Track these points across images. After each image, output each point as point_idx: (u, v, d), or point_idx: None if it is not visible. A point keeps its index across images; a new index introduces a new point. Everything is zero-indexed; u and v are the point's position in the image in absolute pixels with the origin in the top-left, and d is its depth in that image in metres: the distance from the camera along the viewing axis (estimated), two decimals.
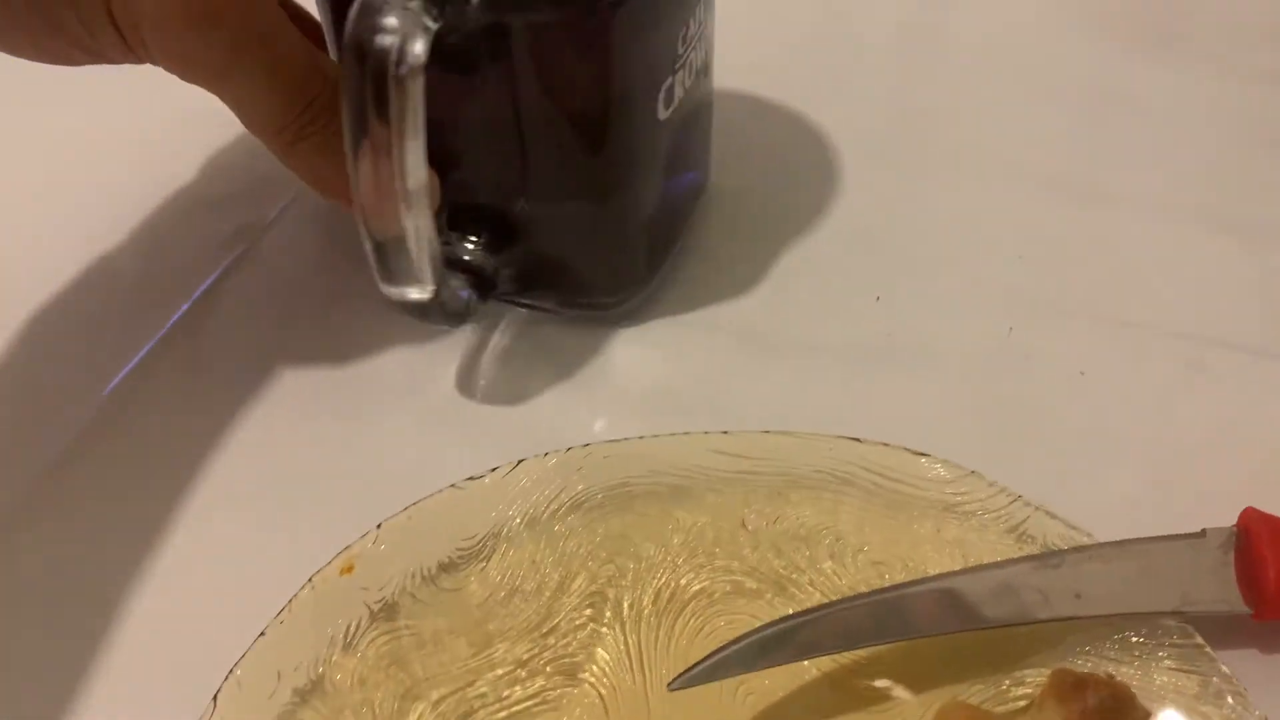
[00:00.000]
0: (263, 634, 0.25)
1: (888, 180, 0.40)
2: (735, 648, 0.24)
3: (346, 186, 0.28)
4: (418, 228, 0.26)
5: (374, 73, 0.24)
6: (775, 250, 0.37)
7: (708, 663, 0.24)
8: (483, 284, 0.32)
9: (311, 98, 0.28)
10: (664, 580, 0.28)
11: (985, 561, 0.26)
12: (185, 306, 0.36)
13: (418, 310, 0.29)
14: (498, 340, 0.34)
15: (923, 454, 0.28)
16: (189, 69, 0.28)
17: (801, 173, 0.40)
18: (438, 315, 0.30)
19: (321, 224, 0.38)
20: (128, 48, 0.27)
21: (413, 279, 0.27)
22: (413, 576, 0.27)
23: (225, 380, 0.34)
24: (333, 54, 0.31)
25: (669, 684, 0.24)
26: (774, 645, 0.24)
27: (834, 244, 0.38)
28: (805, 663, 0.26)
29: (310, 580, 0.26)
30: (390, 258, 0.27)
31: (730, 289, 0.36)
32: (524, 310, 0.35)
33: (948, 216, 0.39)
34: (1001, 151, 0.41)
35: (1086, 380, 0.33)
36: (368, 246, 0.27)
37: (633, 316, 0.35)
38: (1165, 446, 0.31)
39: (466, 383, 0.33)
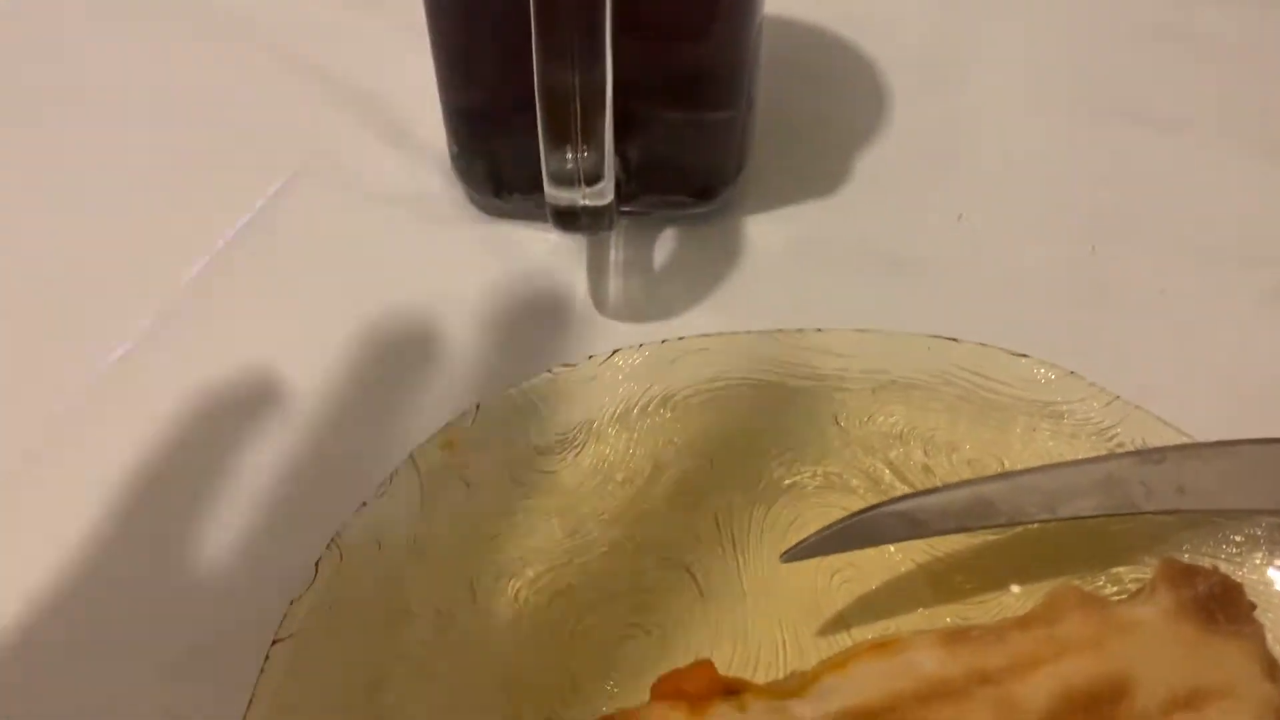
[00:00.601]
0: (364, 505, 0.25)
1: (948, 105, 0.40)
2: (847, 523, 0.24)
3: None
4: (608, 126, 0.27)
5: None
6: (842, 164, 0.37)
7: (819, 536, 0.24)
8: (618, 190, 0.32)
9: None
10: (755, 473, 0.28)
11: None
12: (260, 204, 0.36)
13: (570, 216, 0.29)
14: (588, 241, 0.34)
15: (1021, 355, 0.28)
16: None
17: (856, 96, 0.40)
18: (592, 221, 0.30)
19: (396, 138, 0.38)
20: None
21: (596, 176, 0.28)
22: (509, 457, 0.27)
23: (313, 280, 0.34)
24: None
25: (781, 555, 0.24)
26: (885, 523, 0.24)
27: (907, 163, 0.37)
28: (899, 555, 0.27)
29: (411, 455, 0.26)
30: (577, 161, 0.27)
31: (805, 200, 0.36)
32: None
33: (1018, 142, 0.38)
34: (1068, 81, 0.41)
35: (1167, 298, 0.33)
36: (549, 153, 0.27)
37: (716, 220, 0.35)
38: (1249, 364, 0.31)
39: (559, 280, 0.33)
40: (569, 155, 0.28)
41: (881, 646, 0.23)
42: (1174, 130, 0.38)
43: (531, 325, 0.32)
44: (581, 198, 0.29)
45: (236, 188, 0.36)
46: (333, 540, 0.25)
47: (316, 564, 0.24)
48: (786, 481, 0.28)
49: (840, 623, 0.25)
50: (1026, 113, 0.39)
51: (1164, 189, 0.37)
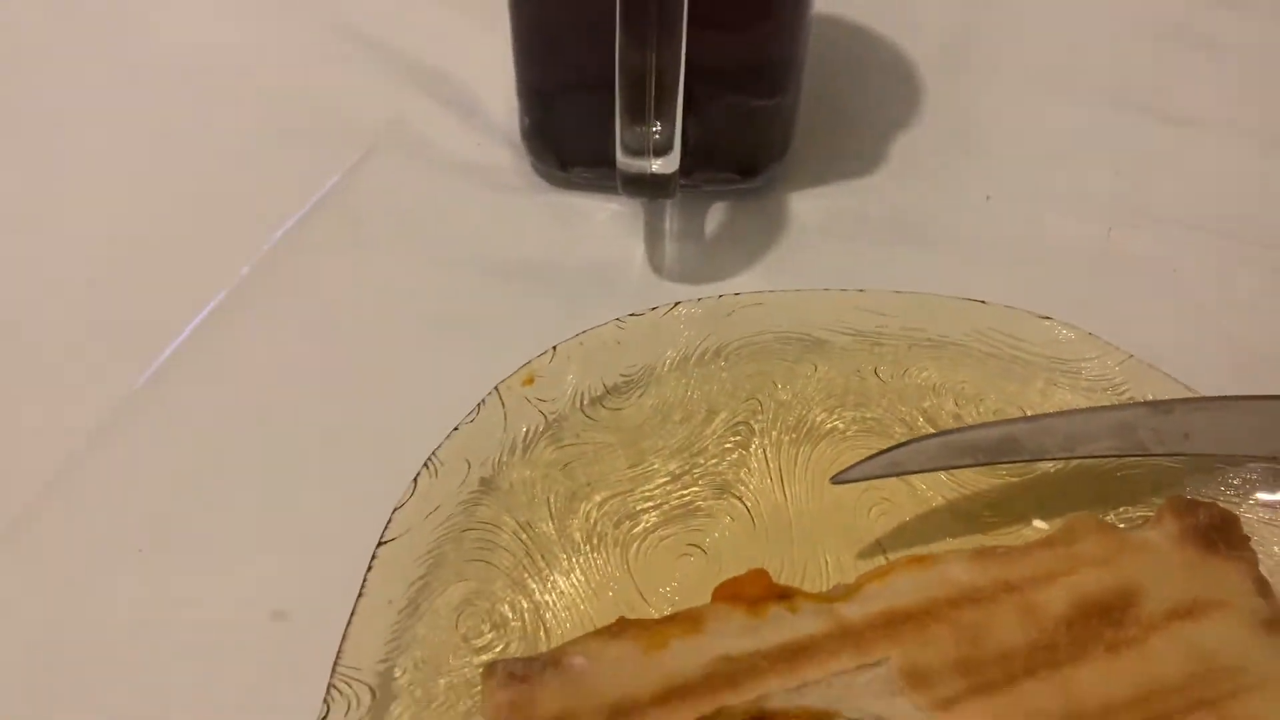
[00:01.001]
0: (456, 429, 0.28)
1: (977, 96, 0.43)
2: (891, 450, 0.27)
3: None
4: (679, 102, 0.30)
5: None
6: (878, 149, 0.40)
7: (866, 461, 0.27)
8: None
9: None
10: (800, 417, 0.31)
11: None
12: (341, 173, 0.39)
13: (638, 183, 0.32)
14: (645, 211, 0.37)
15: (1045, 317, 0.31)
16: None
17: (892, 86, 0.43)
18: (657, 188, 0.33)
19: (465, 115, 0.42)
20: None
21: (666, 148, 0.31)
22: (581, 394, 0.30)
23: (397, 241, 0.37)
24: None
25: (831, 478, 0.27)
26: (925, 452, 0.27)
27: (938, 149, 0.40)
28: (931, 492, 0.29)
29: (496, 388, 0.29)
30: (653, 133, 0.31)
31: (844, 180, 0.39)
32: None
33: (1042, 132, 0.42)
34: (1090, 77, 0.44)
35: (1179, 276, 0.36)
36: (625, 126, 0.31)
37: (762, 195, 0.38)
38: (1253, 336, 0.34)
39: (620, 245, 0.36)
40: (642, 128, 0.31)
41: (918, 561, 0.25)
42: (1189, 125, 0.41)
43: (596, 284, 0.35)
44: (651, 166, 0.32)
45: (319, 158, 0.39)
46: (429, 458, 0.28)
47: (415, 478, 0.27)
48: (829, 425, 0.31)
49: (877, 548, 0.28)
50: (1051, 105, 0.42)
51: (1178, 179, 0.40)
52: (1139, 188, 0.39)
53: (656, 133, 0.31)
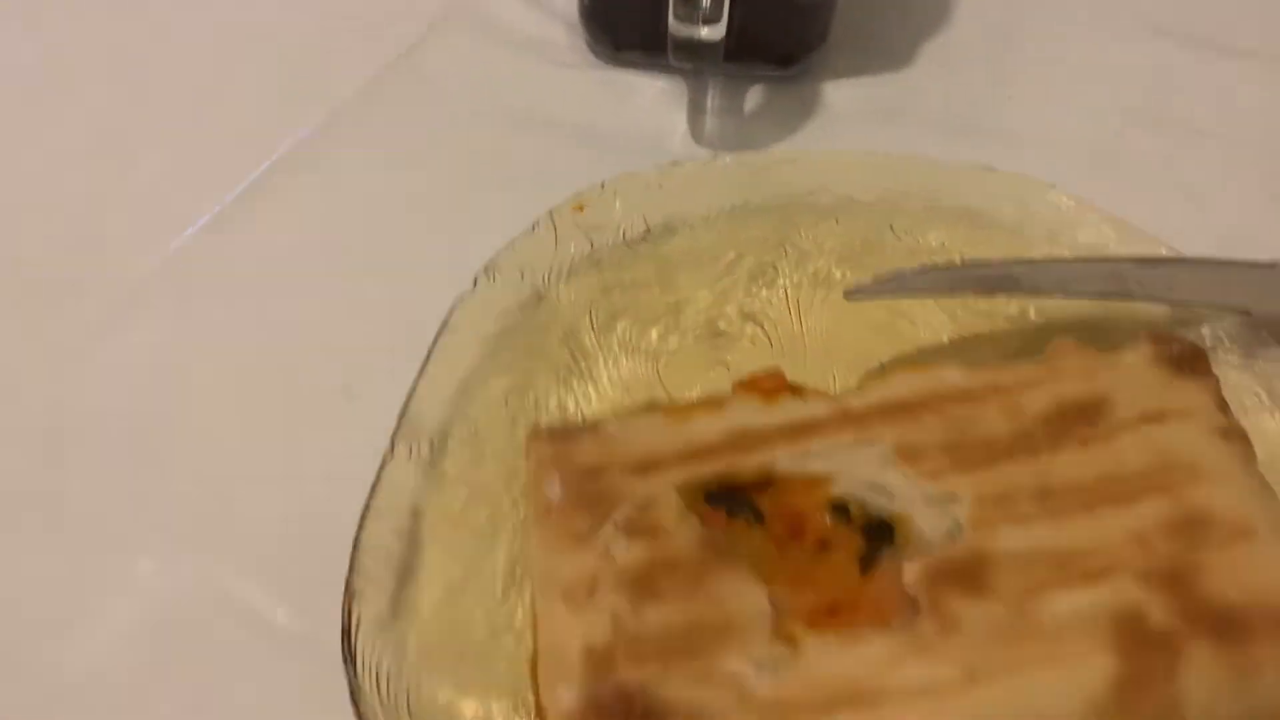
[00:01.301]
0: (512, 241, 0.32)
1: (1009, 6, 0.45)
2: (902, 271, 0.30)
3: None
4: None
5: None
6: (909, 48, 0.43)
7: (878, 280, 0.30)
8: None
9: None
10: (819, 266, 0.34)
11: None
12: (407, 45, 0.42)
13: (688, 48, 0.36)
14: (689, 87, 0.40)
15: (1051, 185, 0.34)
16: None
17: None
18: (704, 53, 0.36)
19: None
20: None
21: (714, 18, 0.34)
22: (624, 229, 0.33)
23: (460, 101, 0.41)
24: None
25: (845, 292, 0.30)
26: (931, 278, 0.30)
27: (966, 49, 0.43)
28: (930, 334, 0.32)
29: (550, 212, 0.33)
30: (703, 4, 0.34)
31: (877, 73, 0.42)
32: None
33: (1069, 43, 0.44)
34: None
35: (1181, 174, 0.39)
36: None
37: (799, 83, 0.41)
38: (1246, 226, 0.37)
39: (665, 116, 0.40)
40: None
41: (916, 366, 0.29)
42: (1216, 49, 0.43)
43: (641, 148, 0.38)
44: (700, 33, 0.35)
45: (386, 30, 0.43)
46: (487, 265, 0.31)
47: (475, 279, 0.31)
48: (837, 275, 0.34)
49: (881, 372, 0.32)
50: (1085, 24, 0.45)
51: (1196, 94, 0.42)
52: (1156, 99, 0.41)
53: (706, 4, 0.35)
